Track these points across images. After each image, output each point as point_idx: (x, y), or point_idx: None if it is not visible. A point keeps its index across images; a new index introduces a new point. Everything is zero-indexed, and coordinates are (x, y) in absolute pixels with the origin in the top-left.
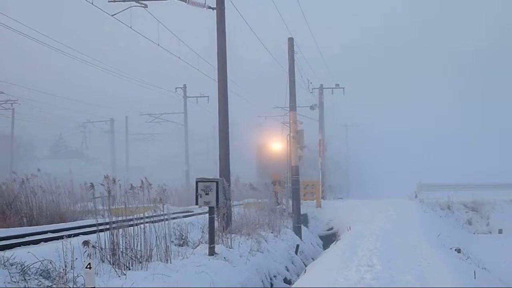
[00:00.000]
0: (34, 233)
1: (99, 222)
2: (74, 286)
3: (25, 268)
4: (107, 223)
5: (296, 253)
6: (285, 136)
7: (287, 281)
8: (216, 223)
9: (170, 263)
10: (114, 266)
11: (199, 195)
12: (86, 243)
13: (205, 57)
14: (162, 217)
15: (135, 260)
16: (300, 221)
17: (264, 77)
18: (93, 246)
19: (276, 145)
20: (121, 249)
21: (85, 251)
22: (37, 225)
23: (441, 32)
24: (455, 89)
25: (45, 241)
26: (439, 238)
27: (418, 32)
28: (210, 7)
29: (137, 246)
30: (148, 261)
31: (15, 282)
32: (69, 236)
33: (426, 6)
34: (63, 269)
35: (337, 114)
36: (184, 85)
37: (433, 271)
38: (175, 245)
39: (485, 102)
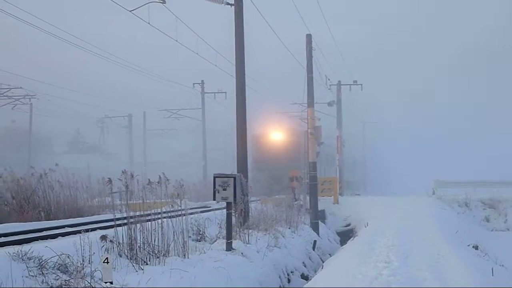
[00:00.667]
0: (51, 227)
1: (116, 217)
2: (92, 280)
3: (43, 262)
4: (124, 218)
5: (313, 249)
6: (286, 125)
7: (305, 277)
8: (233, 219)
9: (188, 258)
10: (131, 261)
11: (216, 190)
12: (104, 237)
13: (223, 53)
14: (179, 212)
15: (152, 255)
16: (317, 217)
17: (281, 73)
18: (110, 241)
19: (277, 135)
20: (139, 244)
21: (103, 246)
22: (55, 220)
23: (458, 29)
24: (469, 86)
25: (63, 236)
26: (457, 235)
27: (435, 30)
28: (228, 3)
29: (154, 241)
30: (166, 256)
31: (33, 276)
32: (87, 230)
33: (441, 4)
34: (81, 264)
35: (354, 111)
36: (202, 81)
37: (450, 267)
38: (193, 240)
39: (502, 100)
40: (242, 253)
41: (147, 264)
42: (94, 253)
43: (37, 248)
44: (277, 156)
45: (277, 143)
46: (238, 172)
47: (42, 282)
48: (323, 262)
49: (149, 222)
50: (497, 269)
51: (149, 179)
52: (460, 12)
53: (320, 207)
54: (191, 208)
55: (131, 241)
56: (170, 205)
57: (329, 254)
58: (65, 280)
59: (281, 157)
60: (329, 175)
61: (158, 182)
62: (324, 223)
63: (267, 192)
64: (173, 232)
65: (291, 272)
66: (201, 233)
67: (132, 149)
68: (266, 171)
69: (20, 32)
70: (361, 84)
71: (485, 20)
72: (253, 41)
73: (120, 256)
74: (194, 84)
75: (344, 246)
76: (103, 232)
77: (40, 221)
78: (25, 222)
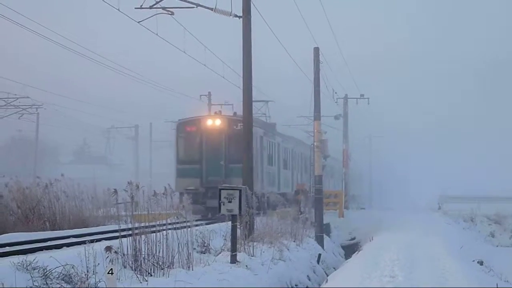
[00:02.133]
0: (56, 237)
1: (121, 228)
2: None
3: (47, 272)
4: (129, 229)
5: (318, 262)
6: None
7: None
8: (238, 231)
9: (192, 270)
10: (136, 272)
11: (222, 203)
12: (108, 248)
13: (230, 64)
14: (184, 224)
15: (157, 267)
16: (322, 230)
17: (289, 86)
18: (115, 252)
19: (212, 122)
20: (143, 255)
21: (107, 257)
22: (60, 230)
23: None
24: (478, 100)
25: (68, 246)
26: (462, 250)
27: (443, 43)
28: (236, 16)
29: (159, 252)
30: (170, 268)
31: (37, 286)
32: (92, 241)
33: (447, 17)
34: (85, 274)
35: (361, 124)
36: (209, 92)
37: (455, 283)
38: (197, 252)
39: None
40: (246, 266)
41: (151, 275)
42: (98, 264)
43: (41, 258)
44: (212, 157)
45: (213, 136)
46: (243, 185)
47: None
48: (327, 275)
49: (154, 234)
50: (502, 285)
51: (154, 191)
52: (469, 26)
53: (325, 221)
54: (196, 220)
55: (136, 252)
56: (175, 217)
57: (334, 268)
58: None
59: (218, 157)
60: (334, 188)
61: (164, 194)
62: (329, 237)
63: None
64: (178, 244)
65: (296, 285)
66: (205, 245)
67: (138, 160)
68: (192, 179)
69: (28, 42)
70: (368, 98)
71: (495, 34)
72: (261, 53)
73: (125, 267)
74: (201, 95)
75: (349, 260)
76: (108, 243)
77: (45, 231)
78: (30, 232)
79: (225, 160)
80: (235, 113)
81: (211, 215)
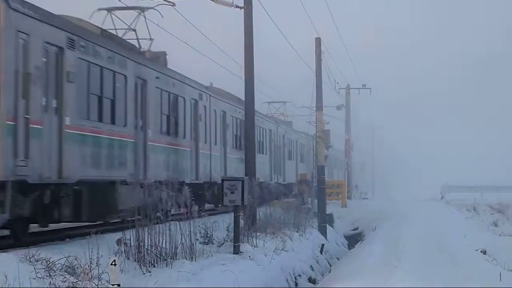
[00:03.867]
0: (59, 229)
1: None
2: (99, 282)
3: (50, 264)
4: (132, 221)
5: (321, 252)
6: None
7: (312, 281)
8: (241, 222)
9: (195, 261)
10: (139, 263)
11: (224, 193)
12: (119, 241)
13: (231, 55)
14: (187, 215)
15: (160, 258)
16: (325, 220)
17: (290, 76)
18: (125, 243)
19: None
20: (146, 247)
21: (119, 249)
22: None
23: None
24: (479, 90)
25: (71, 238)
26: (465, 239)
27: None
28: (237, 6)
29: (162, 243)
30: (173, 259)
31: (40, 278)
32: (95, 233)
33: (449, 8)
34: (88, 266)
35: (363, 115)
36: (211, 83)
37: (458, 272)
38: (200, 243)
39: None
40: (249, 257)
41: (154, 266)
42: (102, 255)
43: (44, 250)
44: None
45: None
46: (246, 176)
47: (50, 284)
48: (330, 265)
49: (157, 225)
50: (505, 274)
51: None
52: (471, 12)
53: (328, 211)
54: (199, 211)
55: (139, 244)
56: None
57: (337, 258)
58: (73, 282)
59: None
60: (337, 178)
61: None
62: (332, 227)
63: None
64: (181, 235)
65: (299, 275)
66: (208, 236)
67: None
68: None
69: None
70: (370, 88)
71: (495, 22)
72: (262, 44)
73: (128, 258)
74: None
75: (352, 250)
76: (111, 234)
77: None
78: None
79: None
80: None
81: None
